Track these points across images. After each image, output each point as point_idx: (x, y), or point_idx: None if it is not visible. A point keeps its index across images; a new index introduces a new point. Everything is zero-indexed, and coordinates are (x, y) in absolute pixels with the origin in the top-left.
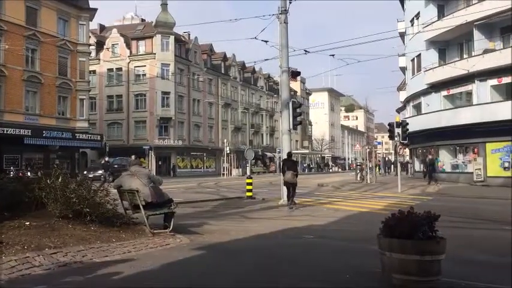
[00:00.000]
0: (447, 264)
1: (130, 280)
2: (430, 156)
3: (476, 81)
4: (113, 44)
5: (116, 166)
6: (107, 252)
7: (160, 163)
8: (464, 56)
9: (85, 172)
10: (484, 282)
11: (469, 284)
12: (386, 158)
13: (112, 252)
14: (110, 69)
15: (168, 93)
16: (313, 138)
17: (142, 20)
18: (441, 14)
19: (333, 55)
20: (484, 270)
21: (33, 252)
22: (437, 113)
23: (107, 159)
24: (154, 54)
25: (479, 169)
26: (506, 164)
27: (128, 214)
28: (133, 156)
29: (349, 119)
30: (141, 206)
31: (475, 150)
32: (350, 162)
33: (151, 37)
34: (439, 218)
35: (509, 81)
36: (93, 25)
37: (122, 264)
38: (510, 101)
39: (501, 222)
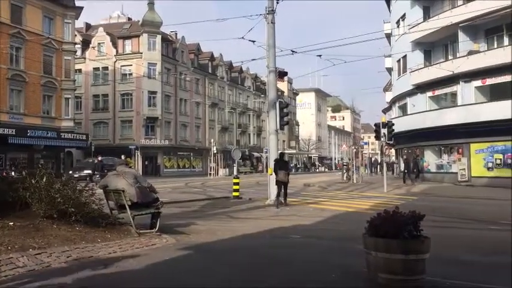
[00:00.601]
0: (432, 264)
1: (115, 280)
2: (414, 155)
3: (460, 82)
4: (99, 43)
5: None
6: (92, 252)
7: (146, 163)
8: (449, 57)
9: (70, 172)
10: (468, 281)
11: (453, 283)
12: (373, 158)
13: (97, 252)
14: (96, 68)
15: (154, 92)
16: (300, 138)
17: (129, 19)
18: (427, 16)
19: (319, 55)
20: (468, 269)
21: (17, 253)
22: (422, 114)
23: (100, 158)
24: (141, 53)
25: (464, 169)
26: (490, 165)
27: (113, 214)
28: (122, 156)
29: (335, 119)
30: (127, 206)
31: (460, 150)
32: (336, 162)
33: (137, 36)
34: (424, 218)
35: (493, 82)
36: (79, 24)
37: (107, 264)
38: (494, 102)
39: (486, 222)
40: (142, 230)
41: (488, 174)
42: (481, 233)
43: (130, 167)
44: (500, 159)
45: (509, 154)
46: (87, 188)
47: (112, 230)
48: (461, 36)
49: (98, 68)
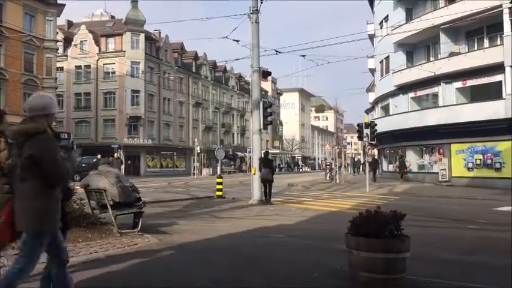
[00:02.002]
0: (412, 262)
1: (96, 281)
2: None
3: (442, 83)
4: (81, 41)
5: (83, 165)
6: (72, 252)
7: (129, 162)
8: (431, 58)
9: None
10: (448, 279)
11: (433, 282)
12: (356, 158)
13: (78, 252)
14: (78, 67)
15: (138, 91)
16: (283, 138)
17: (112, 17)
18: (409, 17)
19: (303, 56)
20: (448, 268)
21: None
22: (404, 114)
23: (99, 156)
24: (124, 51)
25: (444, 169)
26: (470, 165)
27: (95, 214)
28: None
29: (319, 119)
30: (108, 206)
31: (441, 151)
32: (320, 162)
33: (121, 34)
34: (405, 217)
35: (473, 83)
36: (61, 21)
37: (88, 264)
38: (474, 103)
39: (465, 221)
40: (125, 229)
41: (469, 175)
42: (460, 232)
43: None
44: (480, 159)
45: (489, 154)
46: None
47: (93, 230)
48: (443, 38)
49: (80, 66)
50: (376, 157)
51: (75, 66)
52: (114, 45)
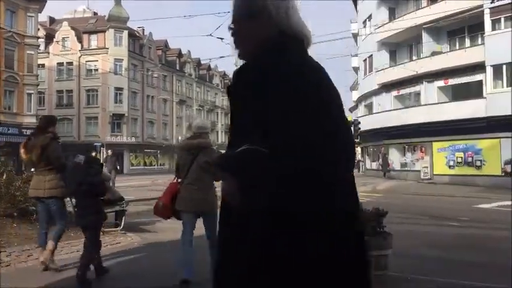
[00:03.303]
0: (394, 259)
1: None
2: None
3: (424, 82)
4: (63, 38)
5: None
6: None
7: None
8: (414, 57)
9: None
10: (429, 276)
11: (415, 278)
12: None
13: (59, 251)
14: (60, 63)
15: (121, 89)
16: None
17: (95, 13)
18: (392, 17)
19: None
20: (429, 264)
21: None
22: (387, 113)
23: (110, 152)
24: (107, 49)
25: (426, 167)
26: (452, 163)
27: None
28: (109, 151)
29: None
30: None
31: (423, 149)
32: None
33: (103, 31)
34: (387, 215)
35: (455, 82)
36: (43, 17)
37: (69, 263)
38: (456, 102)
39: (446, 218)
40: (107, 228)
41: (450, 172)
42: (441, 229)
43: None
44: (461, 157)
45: (470, 152)
46: None
47: (75, 229)
48: (425, 37)
49: (62, 63)
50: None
51: (57, 63)
52: (96, 42)
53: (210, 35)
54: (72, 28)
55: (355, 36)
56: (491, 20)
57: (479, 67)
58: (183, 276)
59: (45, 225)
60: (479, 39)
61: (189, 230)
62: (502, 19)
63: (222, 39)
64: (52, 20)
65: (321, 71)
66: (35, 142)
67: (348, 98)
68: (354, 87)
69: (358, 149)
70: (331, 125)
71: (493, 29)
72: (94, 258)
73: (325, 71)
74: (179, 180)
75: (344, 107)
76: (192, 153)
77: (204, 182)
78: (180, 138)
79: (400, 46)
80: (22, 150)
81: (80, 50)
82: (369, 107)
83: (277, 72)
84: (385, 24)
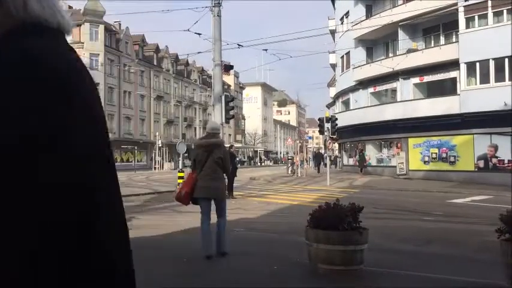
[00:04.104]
0: (370, 254)
1: None
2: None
3: (400, 79)
4: None
5: None
6: None
7: None
8: (390, 54)
9: None
10: (404, 269)
11: (390, 272)
12: (317, 152)
13: None
14: None
15: (97, 84)
16: (246, 132)
17: (70, 7)
18: (369, 14)
19: (266, 50)
20: (404, 258)
21: None
22: (364, 109)
23: None
24: (83, 43)
25: (402, 163)
26: (426, 158)
27: None
28: None
29: (281, 113)
30: None
31: (399, 145)
32: (282, 156)
33: (79, 25)
34: (363, 210)
35: (430, 79)
36: None
37: None
38: (431, 99)
39: (420, 213)
40: None
41: (425, 168)
42: (416, 223)
43: None
44: (436, 153)
45: (444, 148)
46: None
47: None
48: (401, 35)
49: None
50: (320, 151)
51: None
52: (71, 36)
53: (188, 30)
54: None
55: (332, 33)
56: (466, 18)
57: (454, 64)
58: (206, 253)
59: None
60: (454, 37)
61: (207, 214)
62: (476, 17)
63: (199, 34)
64: None
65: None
66: None
67: (326, 95)
68: (331, 83)
69: (336, 145)
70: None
71: (467, 27)
72: None
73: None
74: (194, 172)
75: None
76: (207, 150)
77: (217, 173)
78: (157, 134)
79: (377, 43)
80: None
81: None
82: (346, 104)
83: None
84: (362, 21)
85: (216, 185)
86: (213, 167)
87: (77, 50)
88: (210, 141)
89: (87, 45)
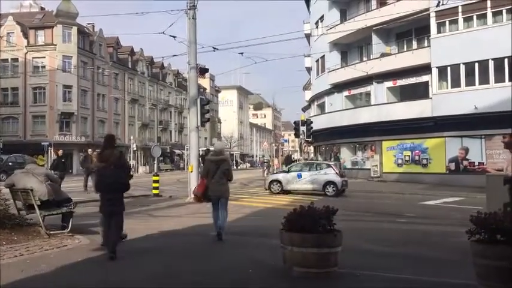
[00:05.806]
0: (344, 256)
1: (21, 286)
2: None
3: (374, 82)
4: (8, 33)
5: (10, 164)
6: None
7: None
8: (364, 58)
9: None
10: (378, 271)
11: (364, 274)
12: (287, 154)
13: (2, 256)
14: (5, 60)
15: (70, 86)
16: (222, 135)
17: (42, 8)
18: (343, 18)
19: (241, 53)
20: (379, 260)
21: None
22: (339, 112)
23: (90, 151)
24: (55, 45)
25: (376, 165)
26: (400, 161)
27: (21, 215)
28: (27, 156)
29: (257, 116)
30: (36, 206)
31: (373, 147)
32: (258, 159)
33: (51, 27)
34: (337, 212)
35: (403, 83)
36: None
37: (12, 268)
38: (403, 102)
39: (394, 215)
40: (53, 230)
41: (398, 170)
42: (390, 225)
43: (42, 166)
44: (409, 155)
45: (417, 151)
46: None
47: (19, 232)
48: (375, 39)
49: (7, 59)
50: (289, 154)
51: (1, 59)
52: (44, 38)
53: (163, 33)
54: (18, 23)
55: (307, 36)
56: (437, 23)
57: (426, 69)
58: (217, 231)
59: None
60: (426, 42)
61: (216, 206)
62: (447, 22)
63: (174, 37)
64: None
65: None
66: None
67: (301, 98)
68: (306, 87)
69: (311, 148)
70: None
71: (439, 31)
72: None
73: None
74: (205, 179)
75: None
76: (216, 164)
77: (223, 180)
78: (132, 137)
79: (351, 47)
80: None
81: (26, 46)
82: (321, 107)
83: None
84: (336, 25)
85: (224, 188)
86: (220, 176)
87: (49, 51)
88: (219, 157)
89: (59, 47)
